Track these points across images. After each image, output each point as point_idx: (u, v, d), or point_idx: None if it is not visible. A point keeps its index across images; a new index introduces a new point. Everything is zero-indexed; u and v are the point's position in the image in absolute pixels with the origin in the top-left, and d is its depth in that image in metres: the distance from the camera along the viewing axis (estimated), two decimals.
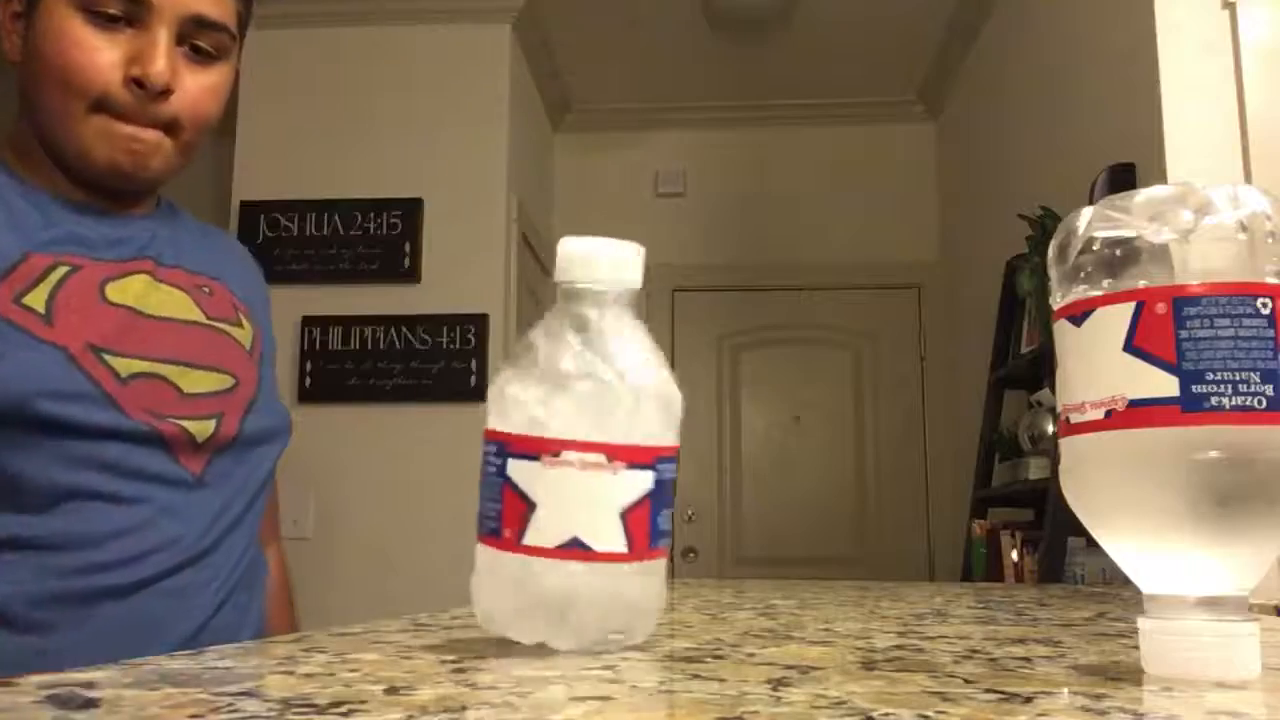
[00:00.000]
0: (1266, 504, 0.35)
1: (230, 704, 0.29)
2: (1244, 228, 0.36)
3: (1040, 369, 2.66)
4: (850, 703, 0.31)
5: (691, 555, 4.12)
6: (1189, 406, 0.35)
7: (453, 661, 0.40)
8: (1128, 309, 0.36)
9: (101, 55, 0.85)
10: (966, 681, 0.36)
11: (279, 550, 1.12)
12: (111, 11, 0.85)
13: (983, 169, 3.68)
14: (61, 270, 0.85)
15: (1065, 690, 0.35)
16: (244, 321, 1.00)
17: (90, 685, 0.32)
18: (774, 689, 0.34)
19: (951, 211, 4.17)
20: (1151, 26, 2.16)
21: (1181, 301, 0.35)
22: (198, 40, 0.89)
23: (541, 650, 0.46)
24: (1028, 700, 0.32)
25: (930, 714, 0.29)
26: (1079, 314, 0.38)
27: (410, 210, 3.17)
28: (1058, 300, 0.39)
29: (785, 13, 3.71)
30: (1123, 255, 0.37)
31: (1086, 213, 0.39)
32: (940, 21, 3.75)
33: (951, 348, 4.06)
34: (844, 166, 4.35)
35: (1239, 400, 0.35)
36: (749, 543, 4.16)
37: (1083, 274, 0.38)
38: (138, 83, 0.85)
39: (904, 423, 4.20)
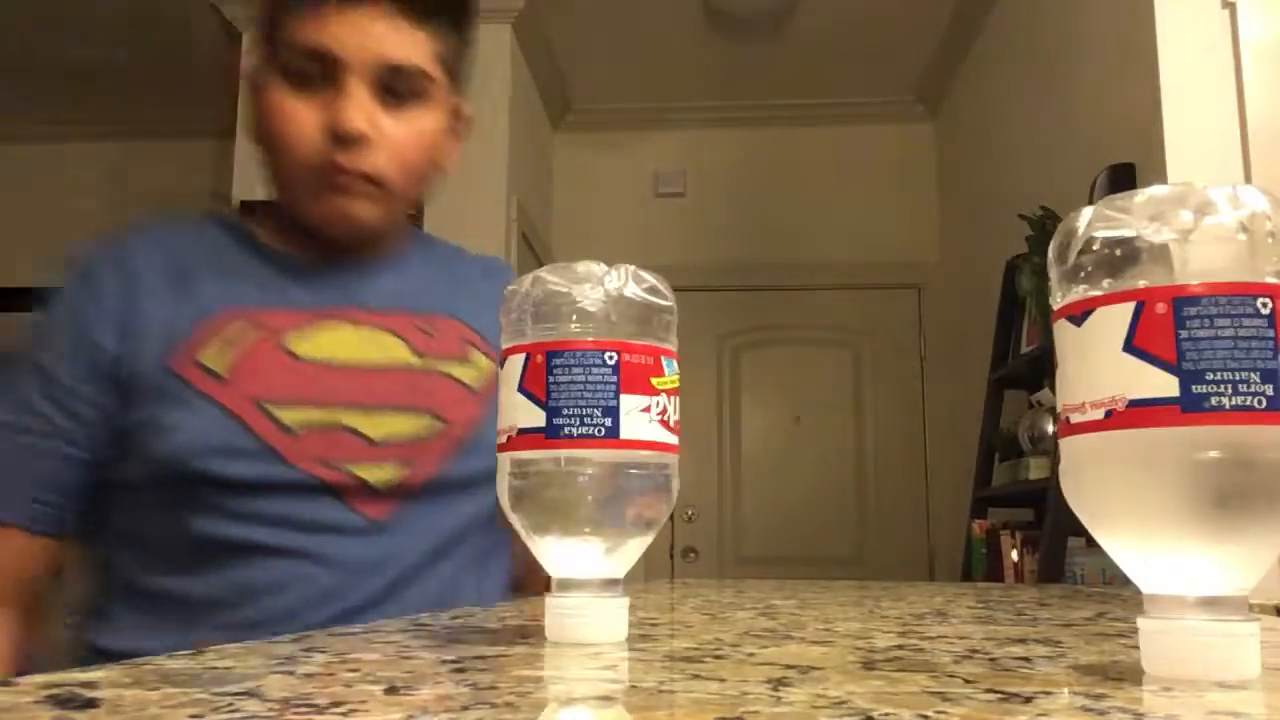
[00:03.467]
0: (1266, 504, 0.35)
1: (230, 704, 0.29)
2: (1244, 228, 0.36)
3: (1040, 369, 2.67)
4: (850, 703, 0.31)
5: (691, 555, 4.12)
6: (1189, 406, 0.35)
7: (453, 661, 0.40)
8: (1128, 309, 0.36)
9: (302, 117, 0.86)
10: (966, 681, 0.36)
11: None
12: (306, 73, 0.86)
13: (983, 169, 3.68)
14: (244, 326, 0.87)
15: (1065, 690, 0.35)
16: (474, 357, 0.97)
17: (90, 685, 0.32)
18: (774, 689, 0.34)
19: (951, 211, 4.17)
20: (1151, 26, 2.16)
21: (1181, 301, 0.35)
22: (395, 86, 0.88)
23: (541, 650, 0.46)
24: (1028, 700, 0.32)
25: (930, 714, 0.29)
26: (1079, 314, 0.38)
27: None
28: (1058, 300, 0.39)
29: (785, 13, 3.71)
30: (1123, 255, 0.37)
31: (1086, 213, 0.39)
32: (940, 21, 3.75)
33: (951, 348, 4.06)
34: (844, 166, 4.35)
35: (1239, 400, 0.35)
36: (749, 542, 4.16)
37: (1083, 274, 0.38)
38: (337, 138, 0.86)
39: (904, 423, 4.20)
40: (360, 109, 0.86)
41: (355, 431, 0.87)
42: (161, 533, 0.84)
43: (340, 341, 0.90)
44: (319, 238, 0.92)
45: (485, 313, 0.96)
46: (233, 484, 0.82)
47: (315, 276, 0.93)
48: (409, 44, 0.88)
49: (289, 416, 0.85)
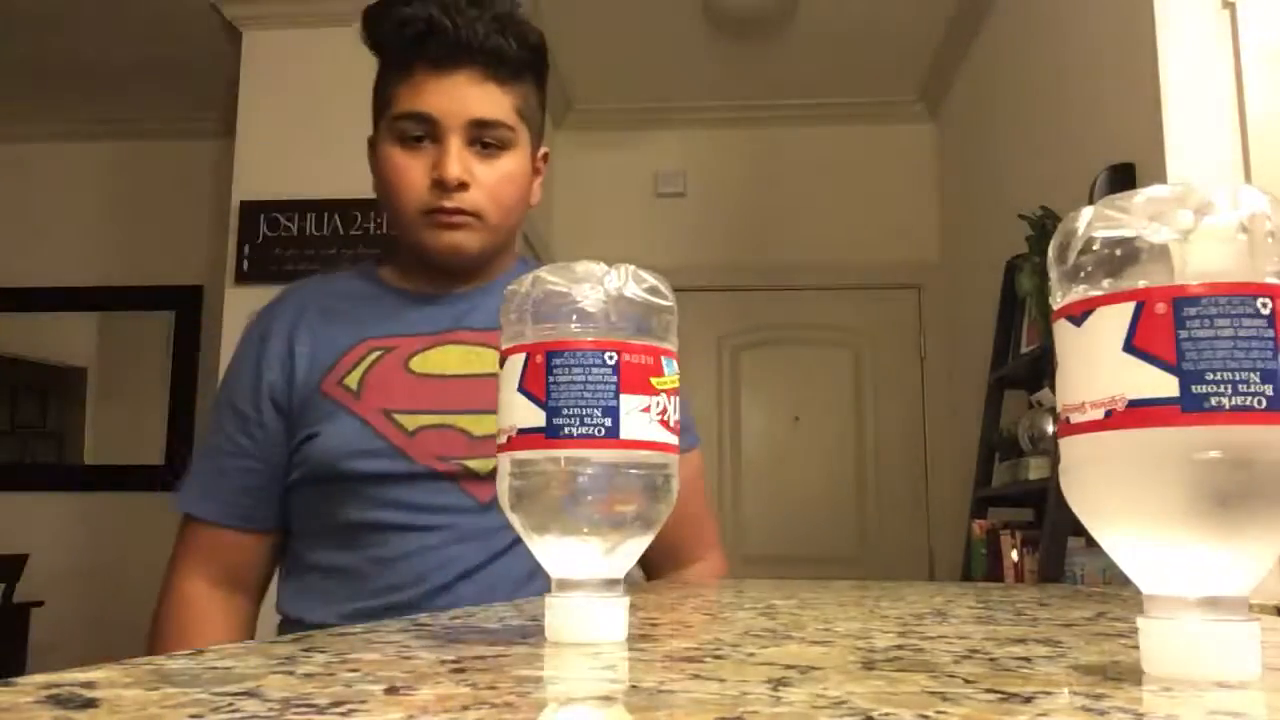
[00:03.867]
0: (1266, 504, 0.35)
1: (230, 704, 0.29)
2: (1244, 228, 0.36)
3: (1040, 369, 2.66)
4: (850, 703, 0.31)
5: None
6: (1189, 406, 0.35)
7: (452, 661, 0.40)
8: (1128, 309, 0.36)
9: (412, 171, 1.06)
10: (966, 681, 0.36)
11: (706, 565, 1.30)
12: (415, 134, 1.06)
13: (983, 169, 3.67)
14: (375, 353, 1.09)
15: (1065, 690, 0.35)
16: None
17: (90, 685, 0.32)
18: (774, 689, 0.34)
19: (951, 211, 4.17)
20: (1151, 26, 2.16)
21: (1181, 301, 0.35)
22: (484, 138, 1.06)
23: (541, 650, 0.46)
24: (1028, 700, 0.32)
25: (930, 714, 0.29)
26: (1079, 314, 0.38)
27: None
28: (1058, 300, 0.39)
29: (786, 12, 3.71)
30: (1123, 255, 0.37)
31: (1086, 213, 0.39)
32: (940, 21, 3.75)
33: (951, 348, 4.06)
34: (844, 166, 4.35)
35: (1239, 400, 0.35)
36: (749, 542, 4.16)
37: (1083, 274, 0.38)
38: (440, 184, 1.04)
39: (904, 423, 4.20)
40: (457, 160, 1.04)
41: (462, 430, 1.06)
42: (320, 520, 1.07)
43: (449, 359, 1.09)
44: (434, 270, 1.11)
45: None
46: (369, 478, 1.04)
47: (432, 307, 1.12)
48: (493, 103, 1.06)
49: (409, 421, 1.05)
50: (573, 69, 4.08)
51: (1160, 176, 2.09)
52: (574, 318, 0.49)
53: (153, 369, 4.28)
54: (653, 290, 0.51)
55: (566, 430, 0.47)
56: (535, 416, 0.48)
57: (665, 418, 0.49)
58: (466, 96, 1.05)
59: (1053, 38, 2.91)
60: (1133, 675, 0.37)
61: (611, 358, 0.48)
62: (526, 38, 1.11)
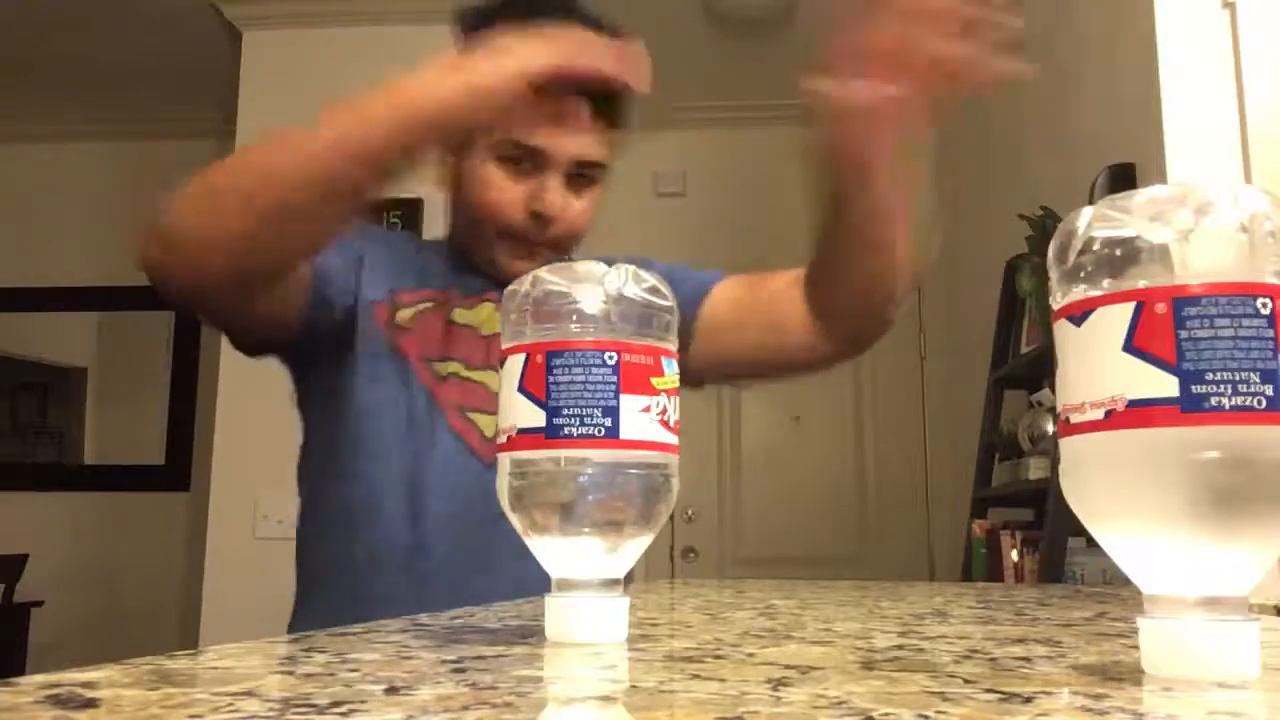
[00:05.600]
0: (1266, 504, 0.35)
1: (230, 704, 0.29)
2: (1244, 228, 0.36)
3: (1040, 369, 2.66)
4: (850, 703, 0.31)
5: (691, 555, 4.12)
6: (1189, 406, 0.35)
7: (453, 661, 0.40)
8: (1128, 309, 0.36)
9: (509, 194, 1.07)
10: (966, 681, 0.36)
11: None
12: (517, 158, 1.07)
13: (983, 169, 3.67)
14: (427, 302, 1.12)
15: (1065, 690, 0.35)
16: None
17: (90, 685, 0.32)
18: (774, 689, 0.34)
19: (951, 211, 4.17)
20: (1151, 26, 2.16)
21: (1181, 301, 0.35)
22: (582, 174, 1.09)
23: (541, 650, 0.46)
24: (1028, 700, 0.32)
25: (930, 714, 0.29)
26: (1079, 314, 0.38)
27: (410, 210, 3.17)
28: (1058, 300, 0.39)
29: (785, 13, 3.71)
30: (1123, 255, 0.37)
31: (1086, 213, 0.39)
32: None
33: (951, 348, 4.06)
34: None
35: (1239, 400, 0.35)
36: (749, 543, 4.16)
37: (1083, 274, 0.38)
38: (536, 215, 1.07)
39: (904, 423, 4.20)
40: (558, 195, 1.07)
41: (482, 384, 1.09)
42: (327, 426, 1.09)
43: (490, 316, 1.12)
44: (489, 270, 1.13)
45: None
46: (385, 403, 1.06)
47: (480, 270, 1.14)
48: (597, 144, 1.08)
49: (440, 368, 1.08)
50: None
51: (1160, 176, 2.08)
52: (574, 318, 0.49)
53: (153, 369, 4.28)
54: (652, 290, 0.51)
55: (566, 430, 0.47)
56: (535, 416, 0.48)
57: (665, 418, 0.49)
58: (579, 138, 1.05)
59: (1053, 38, 2.91)
60: (1133, 675, 0.37)
61: (611, 358, 0.48)
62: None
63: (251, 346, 1.08)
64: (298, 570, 1.13)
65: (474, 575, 1.03)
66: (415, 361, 1.08)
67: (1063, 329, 0.39)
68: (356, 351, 1.07)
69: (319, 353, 1.09)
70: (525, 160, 1.07)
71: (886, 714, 0.29)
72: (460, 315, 1.12)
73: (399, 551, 1.04)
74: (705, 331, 1.17)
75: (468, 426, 1.08)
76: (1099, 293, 0.37)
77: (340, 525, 1.07)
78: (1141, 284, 0.36)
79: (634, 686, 0.36)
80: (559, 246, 1.12)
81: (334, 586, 1.08)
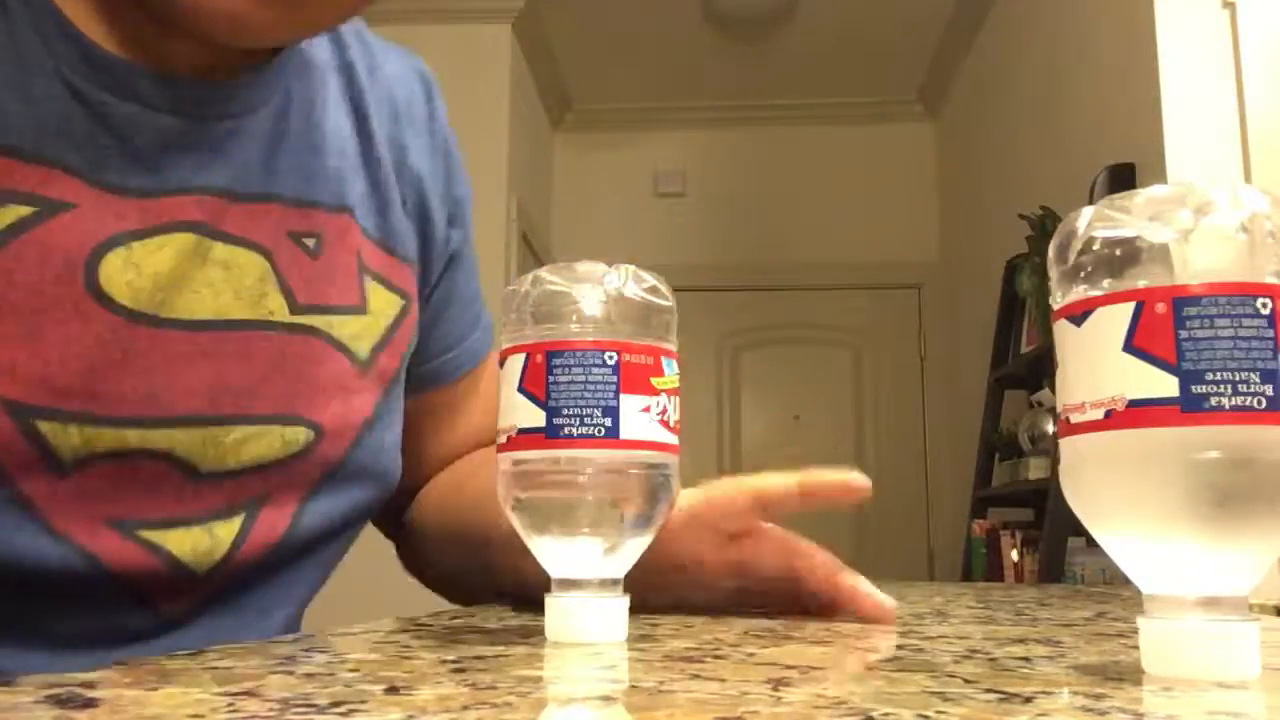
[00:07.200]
0: (1266, 504, 0.35)
1: (230, 704, 0.29)
2: (1244, 228, 0.36)
3: (1040, 369, 2.67)
4: (850, 703, 0.31)
5: None
6: (1189, 406, 0.35)
7: (453, 661, 0.40)
8: (1128, 309, 0.36)
9: None
10: (966, 681, 0.36)
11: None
12: None
13: (983, 169, 3.67)
14: (22, 211, 0.45)
15: (1065, 690, 0.35)
16: (379, 289, 0.62)
17: (90, 685, 0.32)
18: (774, 689, 0.34)
19: (951, 211, 4.17)
20: (1151, 26, 2.16)
21: (1181, 301, 0.35)
22: None
23: (541, 650, 0.46)
24: (1028, 700, 0.32)
25: (930, 714, 0.29)
26: (1079, 314, 0.38)
27: None
28: (1058, 300, 0.39)
29: (786, 12, 3.71)
30: (1123, 255, 0.37)
31: (1086, 213, 0.39)
32: (940, 21, 3.75)
33: (951, 348, 4.06)
34: (844, 166, 4.35)
35: (1239, 400, 0.35)
36: None
37: (1083, 274, 0.38)
38: None
39: (904, 423, 4.20)
40: None
41: (178, 460, 0.51)
42: None
43: (180, 273, 0.50)
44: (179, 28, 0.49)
45: (419, 181, 0.68)
46: None
47: (164, 112, 0.50)
48: None
49: (65, 437, 0.47)
50: (572, 69, 4.08)
51: (1160, 176, 2.09)
52: (574, 318, 0.49)
53: None
54: (652, 290, 0.51)
55: (566, 430, 0.47)
56: (535, 416, 0.48)
57: (665, 418, 0.49)
58: None
59: (1053, 38, 2.91)
60: (1133, 675, 0.37)
61: (611, 358, 0.48)
62: None
63: None
64: None
65: None
66: None
67: (1063, 329, 0.39)
68: None
69: None
70: None
71: (886, 714, 0.29)
72: (118, 266, 0.49)
73: None
74: (435, 402, 0.77)
75: None
76: (1099, 293, 0.37)
77: None
78: (1141, 284, 0.36)
79: (634, 686, 0.36)
80: None
81: None
